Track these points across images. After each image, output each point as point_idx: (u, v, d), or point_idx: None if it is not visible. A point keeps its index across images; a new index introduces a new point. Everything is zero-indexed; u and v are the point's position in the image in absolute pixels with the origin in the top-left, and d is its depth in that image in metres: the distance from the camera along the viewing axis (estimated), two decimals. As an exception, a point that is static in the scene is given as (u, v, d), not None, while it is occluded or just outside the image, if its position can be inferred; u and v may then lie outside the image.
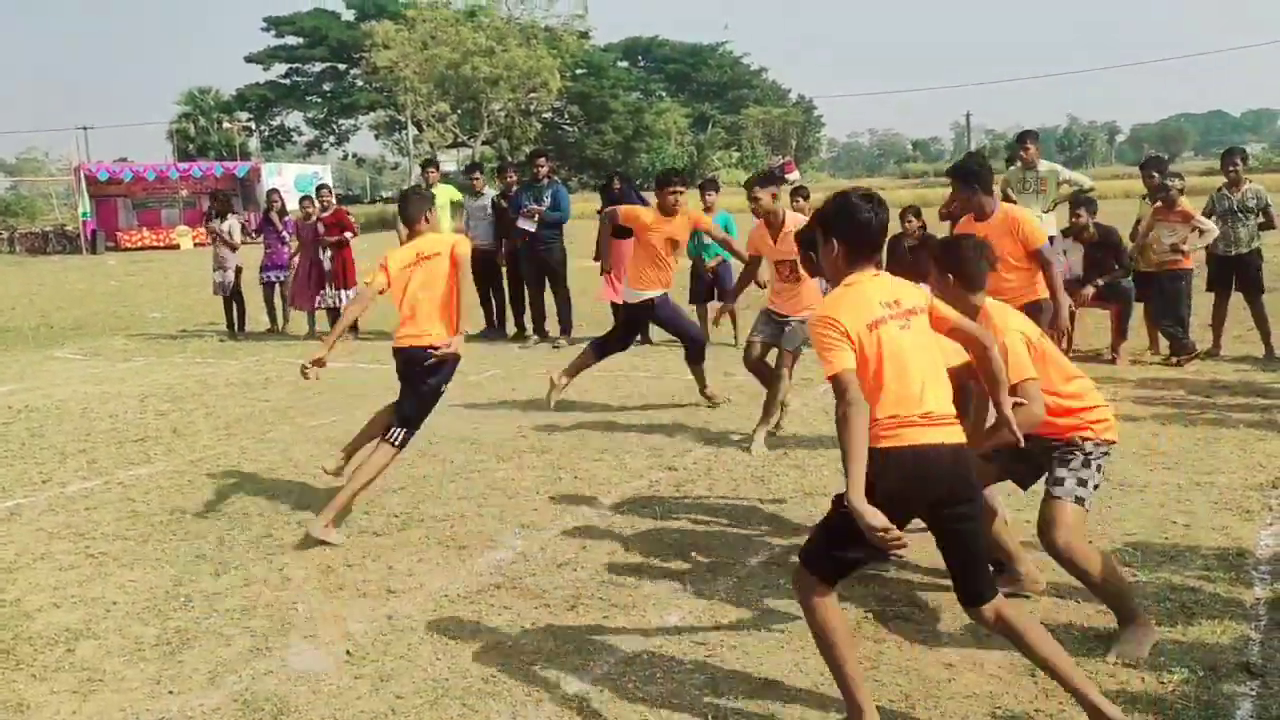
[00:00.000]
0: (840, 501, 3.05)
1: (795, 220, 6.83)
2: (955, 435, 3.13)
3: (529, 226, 11.04)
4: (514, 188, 11.62)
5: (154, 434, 7.83)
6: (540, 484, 6.09)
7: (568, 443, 7.03)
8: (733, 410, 7.80)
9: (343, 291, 12.50)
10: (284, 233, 12.86)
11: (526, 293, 11.79)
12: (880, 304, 3.16)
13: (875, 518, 2.89)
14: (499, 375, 9.63)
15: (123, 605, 4.54)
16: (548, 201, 11.15)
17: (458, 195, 12.87)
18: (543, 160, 11.68)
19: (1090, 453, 3.81)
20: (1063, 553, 3.70)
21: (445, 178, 15.23)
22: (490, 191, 12.20)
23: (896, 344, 3.12)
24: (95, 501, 6.12)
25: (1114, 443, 3.89)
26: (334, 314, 12.58)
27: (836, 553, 3.16)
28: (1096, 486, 3.82)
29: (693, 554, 4.87)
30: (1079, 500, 3.75)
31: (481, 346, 11.43)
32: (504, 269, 11.89)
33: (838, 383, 3.03)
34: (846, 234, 3.25)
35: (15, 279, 25.84)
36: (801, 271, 6.63)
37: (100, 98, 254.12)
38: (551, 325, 11.68)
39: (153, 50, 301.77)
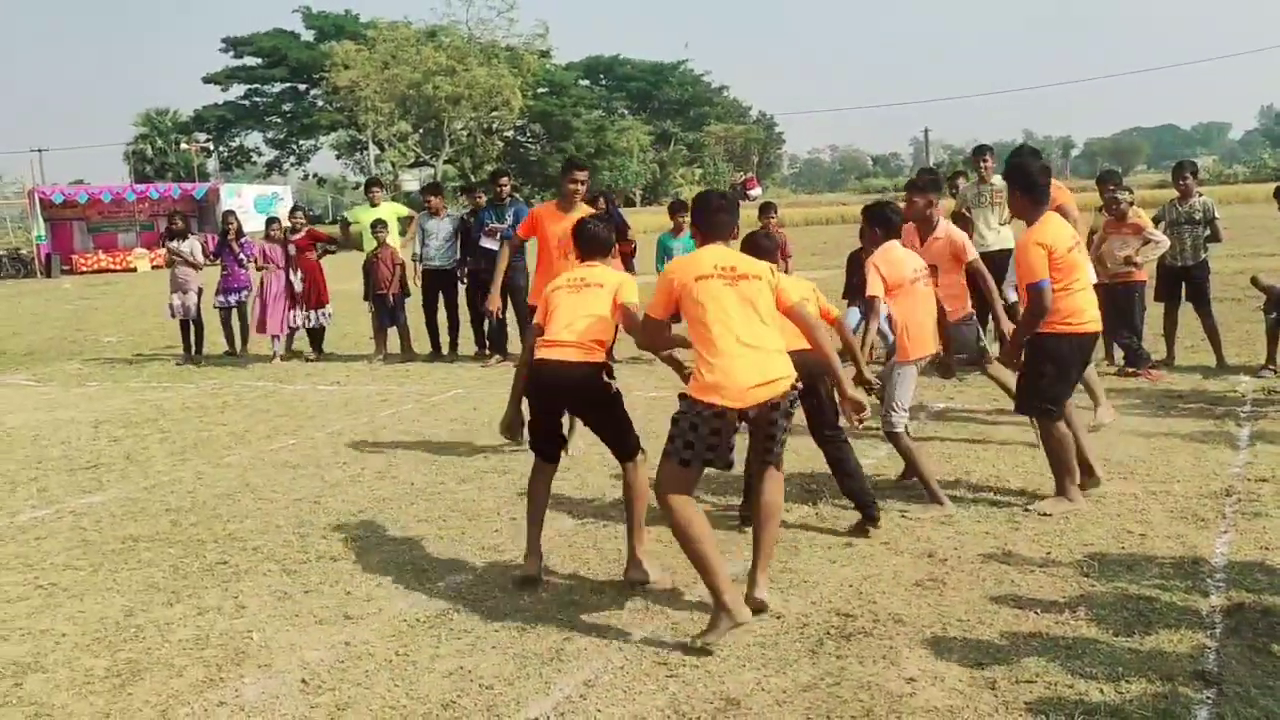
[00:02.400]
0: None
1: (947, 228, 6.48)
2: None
3: (491, 245, 11.03)
4: (481, 208, 11.74)
5: (107, 460, 7.70)
6: (501, 505, 6.04)
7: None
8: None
9: (314, 311, 12.38)
10: (241, 255, 12.64)
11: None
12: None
13: None
14: (460, 395, 9.57)
15: (72, 637, 4.44)
16: (510, 220, 11.13)
17: (404, 211, 13.27)
18: (505, 179, 11.73)
19: None
20: None
21: (407, 195, 15.50)
22: (451, 212, 12.34)
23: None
24: (46, 531, 5.99)
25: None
26: (310, 334, 12.49)
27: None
28: None
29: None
30: None
31: (443, 366, 11.37)
32: (462, 287, 11.90)
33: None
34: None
35: (-33, 304, 25.38)
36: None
37: (55, 119, 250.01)
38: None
39: (109, 71, 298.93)
